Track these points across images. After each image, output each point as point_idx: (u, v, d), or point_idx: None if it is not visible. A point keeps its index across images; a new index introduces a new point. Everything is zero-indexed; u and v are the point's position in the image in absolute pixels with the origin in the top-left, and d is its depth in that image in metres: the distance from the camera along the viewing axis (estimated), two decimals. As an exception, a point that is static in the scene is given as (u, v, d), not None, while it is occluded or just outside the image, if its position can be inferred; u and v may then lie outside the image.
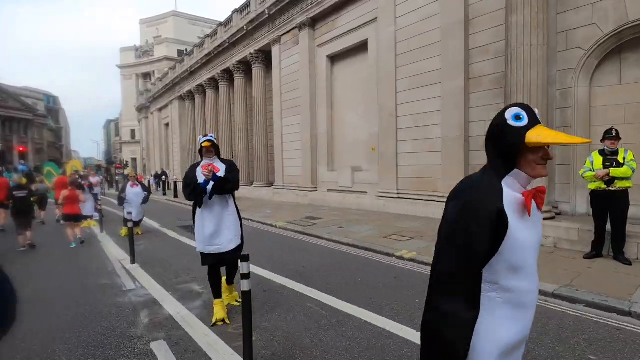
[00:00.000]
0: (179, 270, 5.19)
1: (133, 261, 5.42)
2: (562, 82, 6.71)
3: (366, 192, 11.45)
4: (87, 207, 9.42)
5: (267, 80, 17.02)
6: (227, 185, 3.71)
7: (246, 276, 2.66)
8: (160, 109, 31.91)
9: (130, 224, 5.57)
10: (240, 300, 3.90)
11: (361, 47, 11.77)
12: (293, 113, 14.55)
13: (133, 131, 51.58)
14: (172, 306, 3.88)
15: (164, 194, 21.16)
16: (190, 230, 8.92)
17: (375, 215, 9.91)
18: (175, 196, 19.10)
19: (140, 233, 8.46)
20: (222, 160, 3.97)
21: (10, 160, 44.75)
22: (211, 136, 3.86)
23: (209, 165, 3.58)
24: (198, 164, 3.78)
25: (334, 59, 13.00)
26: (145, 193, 8.54)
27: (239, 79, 18.49)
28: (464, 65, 8.50)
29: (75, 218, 7.71)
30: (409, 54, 9.83)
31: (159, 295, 4.18)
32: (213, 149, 3.86)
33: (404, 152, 10.12)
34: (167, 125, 31.21)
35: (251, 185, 18.67)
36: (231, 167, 3.94)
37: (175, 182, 20.02)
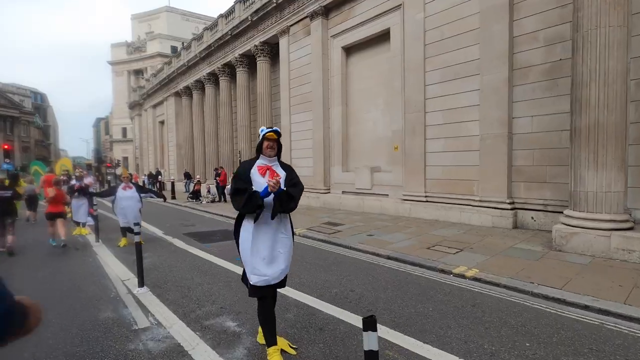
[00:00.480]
0: (200, 297, 4.18)
1: (141, 284, 4.39)
2: (638, 72, 5.86)
3: (387, 195, 10.52)
4: (81, 211, 8.32)
5: (273, 74, 15.99)
6: (290, 204, 2.80)
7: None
8: (154, 106, 30.57)
9: (137, 238, 4.49)
10: (295, 346, 2.94)
11: (382, 37, 10.83)
12: (303, 109, 13.55)
13: (124, 129, 50.04)
14: (205, 358, 2.87)
15: (161, 195, 19.96)
16: (199, 238, 7.87)
17: (402, 221, 8.98)
18: (173, 197, 17.95)
19: (142, 242, 7.38)
20: (283, 166, 3.03)
21: (-5, 159, 42.78)
22: (277, 129, 2.95)
23: (267, 169, 2.64)
24: (251, 163, 2.86)
25: (349, 50, 12.04)
26: (140, 195, 7.42)
27: (241, 74, 17.41)
28: (508, 55, 7.62)
29: (59, 216, 7.47)
30: (440, 43, 8.91)
31: (184, 338, 3.16)
32: (277, 147, 2.92)
33: (434, 151, 9.21)
34: (161, 122, 29.89)
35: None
36: (292, 175, 3.01)
37: (172, 183, 18.85)
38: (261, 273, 2.85)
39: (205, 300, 4.07)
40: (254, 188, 2.71)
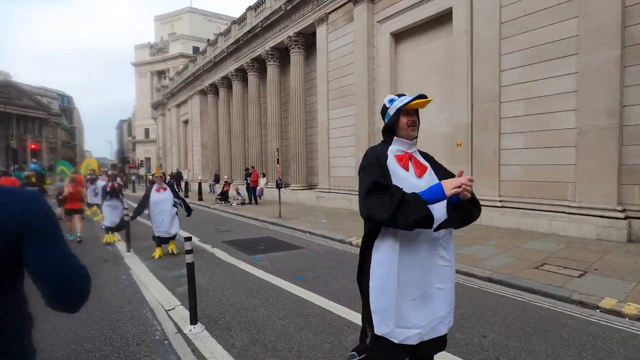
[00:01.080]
0: (276, 343, 3.02)
1: (194, 319, 3.27)
2: None
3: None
4: (114, 215, 7.38)
5: (308, 67, 14.89)
6: (474, 214, 1.79)
7: None
8: (178, 105, 30.08)
9: (188, 258, 3.34)
10: None
11: (439, 20, 9.54)
12: (344, 103, 12.37)
13: (147, 130, 50.26)
14: None
15: (187, 196, 19.14)
16: (243, 248, 6.77)
17: (476, 230, 7.65)
18: (200, 199, 17.08)
19: (176, 252, 6.36)
20: (422, 153, 2.04)
21: (23, 159, 43.58)
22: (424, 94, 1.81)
23: (409, 158, 1.76)
24: (383, 150, 1.90)
25: (399, 36, 10.78)
26: (176, 200, 6.39)
27: (272, 68, 16.38)
28: (619, 29, 6.20)
29: (76, 212, 7.80)
30: (521, 20, 7.55)
31: None
32: (418, 123, 1.87)
33: (511, 148, 7.84)
34: (185, 122, 29.36)
35: (286, 187, 16.55)
36: (442, 168, 2.04)
37: (199, 183, 18.02)
38: (411, 323, 1.74)
39: (287, 348, 2.91)
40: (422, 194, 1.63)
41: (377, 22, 11.10)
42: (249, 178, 14.85)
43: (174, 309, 3.80)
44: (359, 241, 7.09)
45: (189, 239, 3.36)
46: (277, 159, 12.27)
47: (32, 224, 0.88)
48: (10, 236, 0.84)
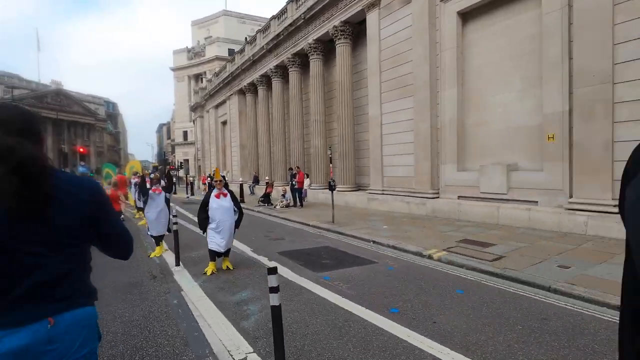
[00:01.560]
0: None
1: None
2: None
3: (536, 202, 7.75)
4: (160, 222, 6.64)
5: (355, 59, 13.80)
6: None
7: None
8: (216, 106, 30.04)
9: (273, 299, 2.34)
10: None
11: (522, -9, 8.09)
12: (399, 95, 11.14)
13: (185, 132, 51.41)
14: None
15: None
16: (304, 262, 5.79)
17: (585, 242, 6.19)
18: (242, 201, 16.48)
19: (232, 268, 5.52)
20: None
21: (73, 163, 45.93)
22: None
23: None
24: None
25: (467, 16, 9.40)
26: (235, 209, 5.52)
27: (315, 62, 15.44)
28: None
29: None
30: (646, -21, 6.00)
31: None
32: None
33: (627, 140, 6.29)
34: (224, 123, 29.23)
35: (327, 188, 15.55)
36: None
37: (241, 185, 17.46)
38: None
39: None
40: None
41: (440, 0, 9.78)
42: (294, 179, 13.98)
43: (244, 358, 2.84)
44: (440, 255, 5.91)
45: (273, 270, 2.38)
46: (330, 158, 11.26)
47: (100, 204, 1.26)
48: (85, 213, 1.19)
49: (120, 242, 1.34)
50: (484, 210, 8.64)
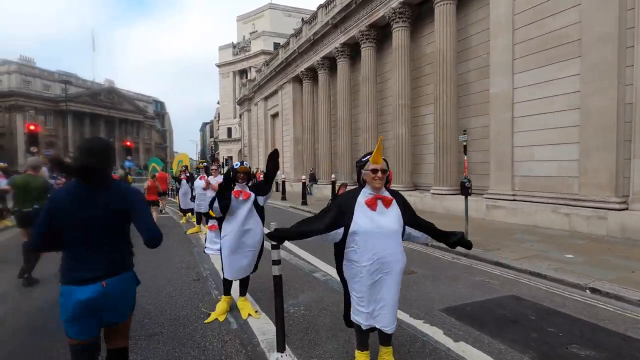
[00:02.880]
0: None
1: None
2: None
3: None
4: (246, 257, 4.06)
5: (460, 22, 10.56)
6: None
7: None
8: (266, 98, 27.84)
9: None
10: None
11: None
12: (547, 60, 7.78)
13: (229, 129, 50.57)
14: None
15: (284, 198, 16.09)
16: (506, 338, 2.78)
17: None
18: (303, 203, 13.80)
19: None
20: None
21: (122, 158, 46.35)
22: None
23: None
24: None
25: None
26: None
27: (399, 32, 12.32)
28: None
29: (152, 203, 8.75)
30: None
31: None
32: None
33: None
34: (274, 116, 26.96)
35: (415, 189, 12.41)
36: None
37: (303, 183, 14.79)
38: None
39: None
40: None
41: None
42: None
43: None
44: None
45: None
46: (464, 147, 7.75)
47: (135, 202, 1.93)
48: (124, 208, 1.89)
49: (152, 232, 1.93)
50: None
